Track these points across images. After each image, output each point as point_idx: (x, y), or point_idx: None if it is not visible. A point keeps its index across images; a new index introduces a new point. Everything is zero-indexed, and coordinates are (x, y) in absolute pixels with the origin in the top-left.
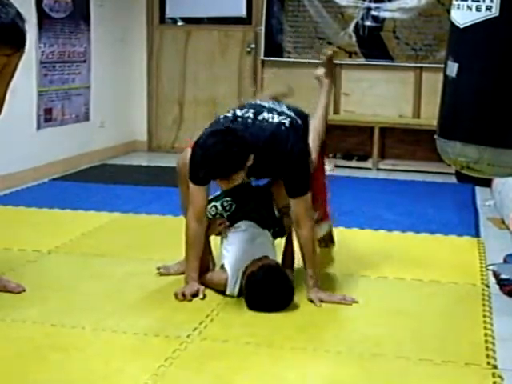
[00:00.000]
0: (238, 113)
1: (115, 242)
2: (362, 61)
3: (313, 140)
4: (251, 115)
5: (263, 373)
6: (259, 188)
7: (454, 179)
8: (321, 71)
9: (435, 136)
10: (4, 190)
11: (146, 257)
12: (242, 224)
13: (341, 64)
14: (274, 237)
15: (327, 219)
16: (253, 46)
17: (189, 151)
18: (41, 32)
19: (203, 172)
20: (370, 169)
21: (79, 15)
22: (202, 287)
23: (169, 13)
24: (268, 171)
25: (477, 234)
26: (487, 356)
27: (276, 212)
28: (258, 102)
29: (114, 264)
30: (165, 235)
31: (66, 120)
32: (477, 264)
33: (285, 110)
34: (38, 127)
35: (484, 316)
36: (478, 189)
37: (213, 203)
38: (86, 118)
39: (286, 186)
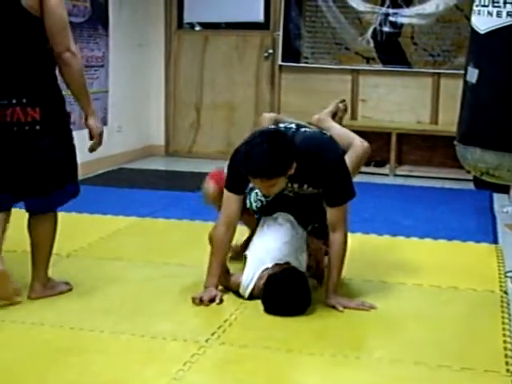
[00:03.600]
0: (281, 125)
1: (133, 246)
2: (379, 67)
3: (354, 135)
4: (294, 126)
5: (282, 378)
6: (305, 194)
7: (471, 185)
8: (318, 115)
9: (455, 142)
10: None
11: (163, 261)
12: (280, 217)
13: (358, 70)
14: (315, 234)
15: None
16: (270, 51)
17: (210, 182)
18: None
19: (245, 169)
20: (387, 175)
21: (98, 20)
22: (220, 293)
23: (187, 18)
24: (310, 179)
25: (495, 241)
26: (506, 363)
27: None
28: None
29: (131, 268)
30: (182, 239)
31: (84, 124)
32: (495, 271)
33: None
34: None
35: (503, 323)
36: (495, 195)
37: (254, 191)
38: (104, 122)
39: (326, 195)
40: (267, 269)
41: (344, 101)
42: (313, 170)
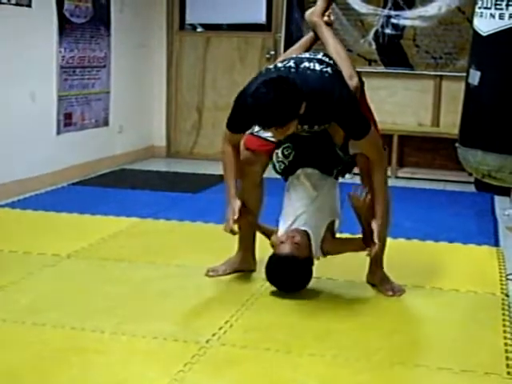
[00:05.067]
0: (279, 64)
1: (134, 247)
2: (381, 69)
3: (349, 66)
4: (293, 64)
5: (282, 379)
6: (316, 131)
7: (472, 188)
8: (310, 11)
9: (456, 144)
10: (23, 194)
11: (164, 262)
12: (302, 175)
13: (360, 72)
14: (337, 176)
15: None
16: (272, 52)
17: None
18: (61, 37)
19: (257, 122)
20: (388, 177)
21: (99, 20)
22: (237, 203)
23: (189, 19)
24: (320, 119)
25: (496, 243)
26: (507, 366)
27: (338, 151)
28: (295, 55)
29: (132, 269)
30: (183, 241)
31: (86, 125)
32: (496, 273)
33: (323, 58)
34: (58, 132)
35: (504, 325)
36: (496, 198)
37: (275, 151)
38: (106, 123)
39: (347, 131)
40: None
41: None
42: (321, 110)
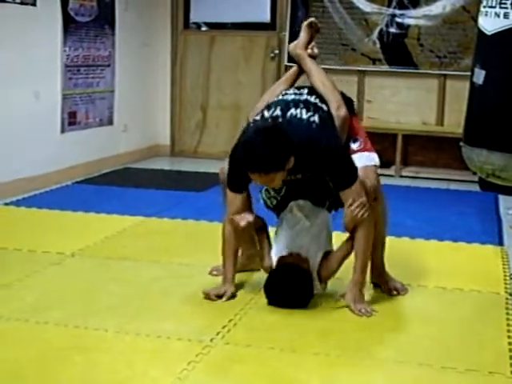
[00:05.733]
0: (266, 114)
1: (138, 246)
2: (385, 68)
3: (335, 96)
4: (279, 113)
5: (286, 378)
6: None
7: (476, 187)
8: (293, 44)
9: (461, 143)
10: (28, 193)
11: (168, 260)
12: (294, 207)
13: (364, 71)
14: (330, 209)
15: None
16: (277, 51)
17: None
18: (66, 36)
19: (243, 164)
20: (392, 176)
21: (104, 19)
22: (232, 289)
23: (193, 18)
24: (308, 168)
25: (500, 243)
26: (511, 365)
27: (330, 183)
28: (281, 97)
29: (136, 267)
30: (187, 239)
31: (90, 124)
32: (500, 272)
33: (309, 98)
34: (62, 130)
35: (508, 325)
36: (501, 197)
37: (265, 187)
38: (110, 121)
39: (332, 181)
40: (280, 258)
41: (311, 21)
42: (308, 160)
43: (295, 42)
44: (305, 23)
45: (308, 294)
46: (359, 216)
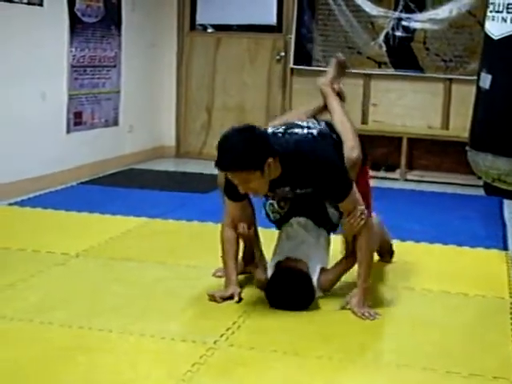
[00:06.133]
0: (270, 130)
1: (142, 247)
2: (391, 71)
3: (352, 138)
4: (281, 130)
5: (289, 381)
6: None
7: (481, 191)
8: (321, 80)
9: (467, 147)
10: (33, 193)
11: (173, 262)
12: (295, 223)
13: (370, 74)
14: (329, 231)
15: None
16: (282, 54)
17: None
18: (72, 36)
19: (216, 164)
20: (397, 179)
21: (110, 20)
22: (238, 290)
23: (199, 19)
24: (300, 181)
25: (504, 247)
26: None
27: (332, 210)
28: (295, 121)
29: (141, 268)
30: (192, 241)
31: (96, 124)
32: (505, 277)
33: (322, 127)
34: (68, 131)
35: None
36: (506, 202)
37: (270, 201)
38: (115, 122)
39: (328, 193)
40: (279, 262)
41: (341, 59)
42: (298, 172)
43: (323, 78)
44: (334, 60)
45: (309, 295)
46: (357, 226)
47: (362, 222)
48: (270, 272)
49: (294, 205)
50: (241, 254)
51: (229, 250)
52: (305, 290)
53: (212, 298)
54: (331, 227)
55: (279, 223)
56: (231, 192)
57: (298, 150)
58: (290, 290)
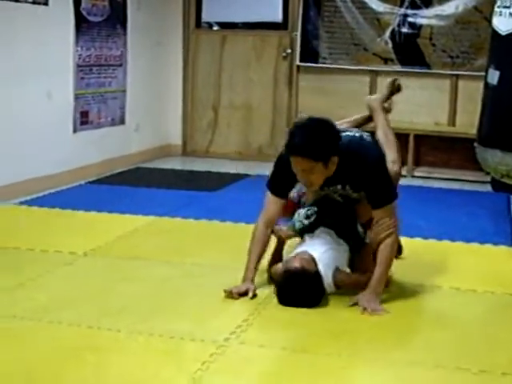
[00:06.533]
0: None
1: (150, 245)
2: (397, 67)
3: (394, 152)
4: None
5: (299, 379)
6: (344, 203)
7: (488, 188)
8: (373, 97)
9: (475, 144)
10: (41, 192)
11: (181, 260)
12: (319, 230)
13: (376, 71)
14: (351, 249)
15: None
16: (289, 51)
17: None
18: (78, 35)
19: (285, 146)
20: (404, 176)
21: (116, 19)
22: (253, 287)
23: (205, 17)
24: (351, 179)
25: None
26: None
27: (359, 228)
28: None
29: (149, 267)
30: (199, 239)
31: (102, 123)
32: None
33: (365, 134)
34: (75, 130)
35: None
36: None
37: (298, 211)
38: (122, 121)
39: (369, 196)
40: (286, 261)
41: (395, 80)
42: (354, 171)
43: (374, 96)
44: (390, 80)
45: (317, 293)
46: (383, 232)
47: (389, 231)
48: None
49: (322, 217)
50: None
51: (255, 248)
52: (312, 289)
53: (229, 295)
54: (354, 243)
55: (302, 233)
56: (277, 187)
57: (357, 149)
58: (297, 290)
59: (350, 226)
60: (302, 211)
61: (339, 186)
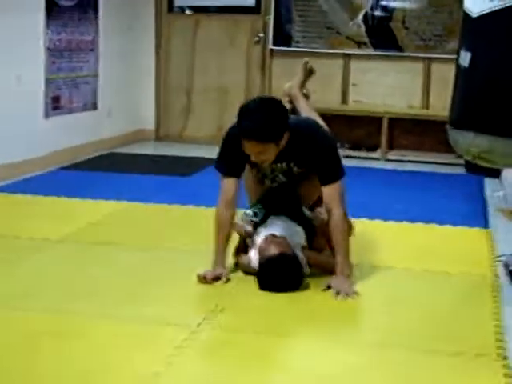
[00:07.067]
0: None
1: (123, 231)
2: (370, 51)
3: None
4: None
5: (273, 362)
6: (287, 192)
7: (462, 170)
8: (289, 84)
9: (447, 126)
10: (12, 178)
11: (154, 245)
12: (271, 218)
13: (349, 54)
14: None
15: None
16: (261, 35)
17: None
18: (49, 20)
19: (238, 130)
20: (378, 159)
21: (87, 3)
22: (226, 271)
23: (177, 1)
24: (300, 157)
25: (486, 225)
26: (497, 347)
27: (307, 212)
28: None
29: (122, 252)
30: (172, 224)
31: (74, 108)
32: (486, 255)
33: None
34: (46, 115)
35: (494, 307)
36: (486, 180)
37: (243, 211)
38: (94, 106)
39: (319, 173)
40: (266, 238)
41: (307, 62)
42: (303, 148)
43: (290, 83)
44: (302, 64)
45: (299, 275)
46: (334, 210)
47: (339, 211)
48: (253, 252)
49: (268, 211)
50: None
51: (221, 231)
52: (294, 271)
53: (202, 279)
54: (304, 227)
55: (255, 228)
56: (230, 167)
57: (306, 126)
58: (282, 274)
59: (296, 211)
60: (248, 212)
61: (284, 164)
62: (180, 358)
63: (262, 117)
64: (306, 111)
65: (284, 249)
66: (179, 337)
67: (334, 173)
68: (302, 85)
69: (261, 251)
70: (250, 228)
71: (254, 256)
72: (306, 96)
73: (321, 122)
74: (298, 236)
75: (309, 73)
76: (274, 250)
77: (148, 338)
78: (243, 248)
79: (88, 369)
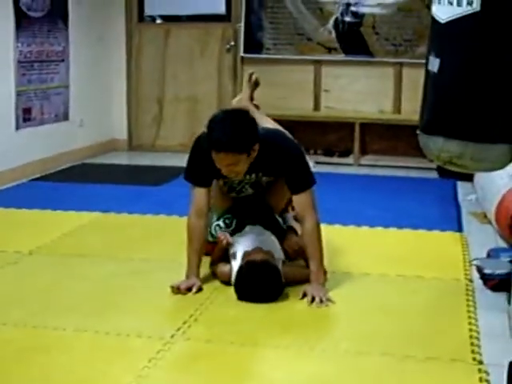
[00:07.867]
0: None
1: (96, 242)
2: (341, 57)
3: None
4: None
5: (248, 372)
6: (256, 201)
7: (435, 174)
8: (236, 100)
9: (417, 131)
10: None
11: (127, 256)
12: (248, 227)
13: (320, 60)
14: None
15: None
16: (232, 43)
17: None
18: (18, 31)
19: (208, 143)
20: (351, 165)
21: (57, 14)
22: (199, 283)
23: (147, 11)
24: (269, 167)
25: (459, 229)
26: (472, 351)
27: (279, 219)
28: None
29: (95, 264)
30: (146, 234)
31: (45, 119)
32: (460, 259)
33: None
34: (17, 127)
35: (468, 311)
36: (459, 183)
37: (214, 223)
38: (66, 117)
39: (289, 182)
40: (248, 252)
41: (252, 74)
42: (274, 159)
43: (238, 98)
44: (246, 76)
45: (280, 287)
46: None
47: (311, 218)
48: (236, 263)
49: (241, 220)
50: None
51: (193, 241)
52: (277, 283)
53: (175, 290)
54: (278, 233)
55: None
56: (200, 178)
57: (275, 136)
58: (263, 284)
59: (269, 218)
60: (219, 222)
61: (253, 175)
62: (153, 370)
63: (233, 128)
64: (264, 121)
65: (268, 257)
66: (153, 349)
67: (305, 181)
68: (251, 97)
69: (245, 258)
70: (231, 238)
71: (235, 265)
72: (257, 107)
73: (283, 130)
74: (278, 251)
75: (254, 85)
76: (258, 257)
77: (122, 351)
78: (221, 257)
79: (61, 382)
